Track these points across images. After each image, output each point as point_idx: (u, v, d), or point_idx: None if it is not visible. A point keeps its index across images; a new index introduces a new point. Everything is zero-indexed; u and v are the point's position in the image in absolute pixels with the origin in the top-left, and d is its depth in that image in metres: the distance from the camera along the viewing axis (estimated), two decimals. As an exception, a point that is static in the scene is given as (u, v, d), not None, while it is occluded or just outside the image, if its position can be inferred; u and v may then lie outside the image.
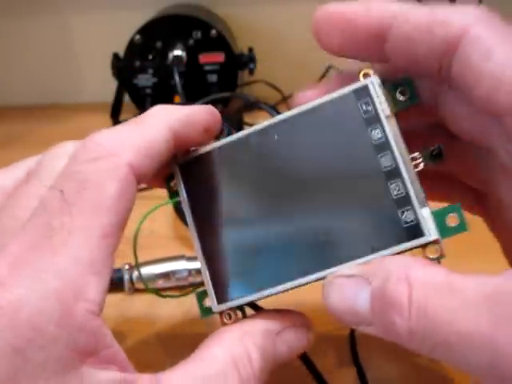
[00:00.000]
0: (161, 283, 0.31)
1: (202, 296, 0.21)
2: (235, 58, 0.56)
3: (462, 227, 0.18)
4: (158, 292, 0.29)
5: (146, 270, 0.31)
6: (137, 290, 0.31)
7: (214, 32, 0.54)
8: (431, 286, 0.15)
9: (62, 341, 0.15)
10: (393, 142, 0.18)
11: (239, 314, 0.20)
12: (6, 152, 0.54)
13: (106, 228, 0.16)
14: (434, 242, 0.18)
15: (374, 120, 0.19)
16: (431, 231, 0.18)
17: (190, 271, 0.31)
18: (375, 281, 0.16)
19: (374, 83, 0.19)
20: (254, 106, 0.51)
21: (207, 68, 0.56)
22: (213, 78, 0.57)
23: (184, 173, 0.20)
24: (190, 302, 0.24)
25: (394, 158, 0.18)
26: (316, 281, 0.19)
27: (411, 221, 0.18)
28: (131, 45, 0.55)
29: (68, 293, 0.15)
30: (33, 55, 0.67)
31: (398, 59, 0.18)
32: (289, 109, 0.20)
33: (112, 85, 0.58)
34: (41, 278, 0.15)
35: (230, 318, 0.20)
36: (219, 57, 0.56)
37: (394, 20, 0.17)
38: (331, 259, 0.18)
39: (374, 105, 0.19)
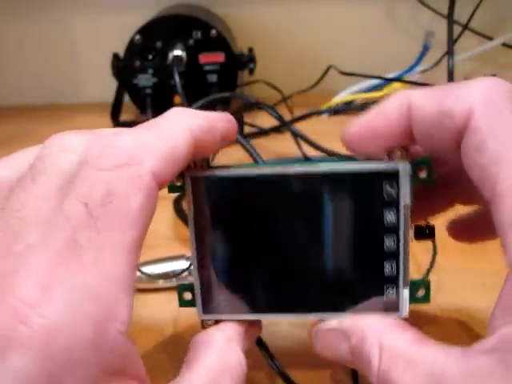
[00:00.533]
0: (161, 283, 0.31)
1: (182, 289, 0.22)
2: (235, 58, 0.56)
3: (426, 299, 0.21)
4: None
5: (146, 270, 0.31)
6: (137, 290, 0.31)
7: (213, 32, 0.54)
8: (395, 354, 0.17)
9: (94, 363, 0.15)
10: (401, 230, 0.20)
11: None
12: (6, 152, 0.54)
13: (131, 243, 0.16)
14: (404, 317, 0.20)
15: (393, 205, 0.20)
16: (405, 310, 0.20)
17: (190, 271, 0.31)
18: (353, 339, 0.19)
19: (405, 171, 0.19)
20: (253, 106, 0.51)
21: (207, 68, 0.56)
22: (213, 77, 0.57)
23: (194, 186, 0.20)
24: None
25: (397, 244, 0.20)
26: (296, 319, 0.21)
27: (392, 297, 0.20)
28: (131, 45, 0.55)
29: (101, 315, 0.15)
30: (33, 55, 0.67)
31: (423, 143, 0.19)
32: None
33: (112, 85, 0.58)
34: (75, 301, 0.14)
35: (210, 323, 0.22)
36: (219, 57, 0.56)
37: (411, 114, 0.19)
38: (314, 304, 0.21)
39: (398, 192, 0.19)
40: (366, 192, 0.20)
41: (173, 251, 0.33)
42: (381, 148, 0.20)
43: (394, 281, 0.20)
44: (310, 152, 0.47)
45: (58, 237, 0.15)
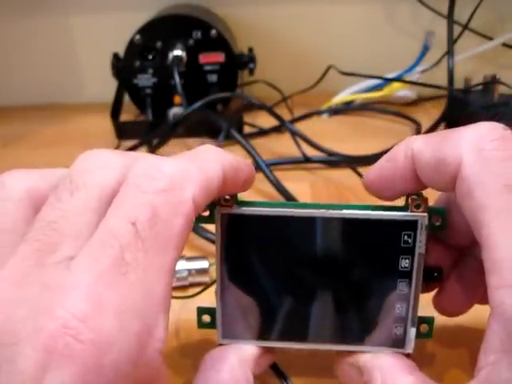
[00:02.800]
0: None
1: (201, 312, 0.23)
2: (235, 58, 0.56)
3: (429, 335, 0.23)
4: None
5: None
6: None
7: (213, 32, 0.54)
8: None
9: (133, 379, 0.15)
10: (414, 276, 0.21)
11: None
12: (7, 152, 0.54)
13: (172, 265, 0.17)
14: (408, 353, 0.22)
15: (409, 252, 0.21)
16: (410, 347, 0.22)
17: (189, 271, 0.31)
18: (365, 375, 0.21)
19: (423, 223, 0.21)
20: (253, 106, 0.51)
21: (207, 68, 0.56)
22: (213, 78, 0.57)
23: (223, 221, 0.21)
24: (192, 302, 0.24)
25: (410, 288, 0.21)
26: (310, 348, 0.23)
27: (400, 335, 0.22)
28: (131, 45, 0.55)
29: (145, 333, 0.15)
30: (33, 55, 0.67)
31: (430, 185, 0.21)
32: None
33: (112, 85, 0.58)
34: (123, 318, 0.15)
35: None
36: (219, 57, 0.56)
37: (414, 161, 0.20)
38: (328, 336, 0.22)
39: (414, 241, 0.21)
40: (384, 239, 0.21)
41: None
42: (398, 191, 0.21)
43: (402, 320, 0.22)
44: (310, 152, 0.47)
45: (106, 254, 0.15)
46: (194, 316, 0.23)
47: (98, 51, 0.63)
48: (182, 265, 0.31)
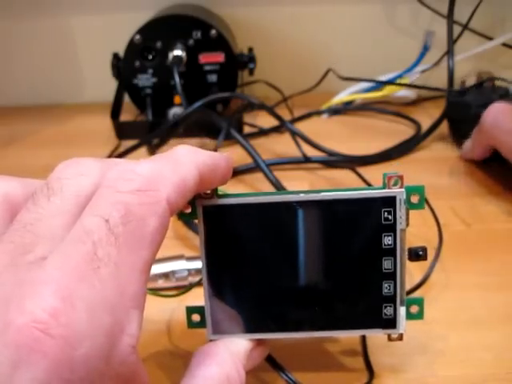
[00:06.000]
0: (161, 283, 0.31)
1: (190, 311, 0.23)
2: (235, 58, 0.56)
3: (420, 315, 0.23)
4: (156, 292, 0.29)
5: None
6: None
7: (213, 32, 0.54)
8: None
9: (107, 375, 0.15)
10: (398, 252, 0.21)
11: None
12: (7, 152, 0.54)
13: (146, 262, 0.17)
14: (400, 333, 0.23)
15: (391, 229, 0.21)
16: (401, 327, 0.22)
17: (189, 271, 0.31)
18: None
19: (401, 198, 0.21)
20: (253, 106, 0.51)
21: (207, 68, 0.56)
22: (213, 78, 0.57)
23: (206, 214, 0.22)
24: (187, 301, 0.24)
25: (395, 265, 0.21)
26: (301, 337, 0.23)
27: (390, 315, 0.22)
28: (131, 45, 0.55)
29: (116, 328, 0.15)
30: (33, 56, 0.67)
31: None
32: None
33: (112, 85, 0.58)
34: (93, 313, 0.15)
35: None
36: (219, 57, 0.56)
37: None
38: (316, 324, 0.22)
39: (394, 217, 0.21)
40: (365, 218, 0.21)
41: (172, 251, 0.33)
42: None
43: (391, 300, 0.22)
44: (310, 152, 0.47)
45: (77, 249, 0.15)
46: (184, 317, 0.23)
47: (98, 51, 0.63)
48: (181, 265, 0.31)
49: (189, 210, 0.22)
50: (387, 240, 0.21)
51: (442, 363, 0.26)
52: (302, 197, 0.21)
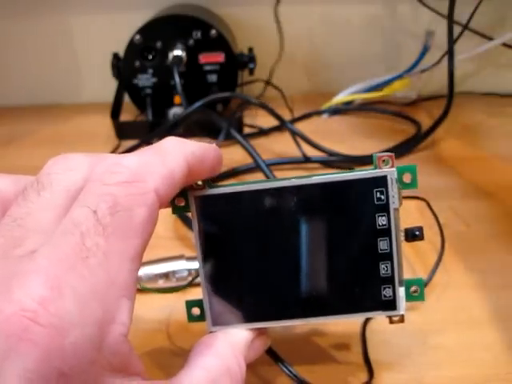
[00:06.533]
0: (161, 283, 0.31)
1: (190, 305, 0.23)
2: (235, 58, 0.56)
3: (420, 297, 0.23)
4: (157, 289, 0.29)
5: (146, 270, 0.31)
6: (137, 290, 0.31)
7: (213, 32, 0.54)
8: None
9: (98, 363, 0.15)
10: (393, 232, 0.21)
11: None
12: (7, 152, 0.54)
13: (135, 251, 0.17)
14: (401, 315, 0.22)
15: (384, 209, 0.21)
16: (402, 308, 0.22)
17: (189, 271, 0.31)
18: None
19: (392, 177, 0.21)
20: (253, 105, 0.51)
21: (207, 68, 0.56)
22: (213, 78, 0.56)
23: (198, 204, 0.22)
24: (183, 301, 0.24)
25: (391, 245, 0.21)
26: (301, 324, 0.23)
27: (389, 296, 0.22)
28: (131, 45, 0.55)
29: (106, 317, 0.15)
30: (33, 55, 0.67)
31: None
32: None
33: (112, 85, 0.58)
34: (83, 302, 0.15)
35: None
36: (219, 57, 0.56)
37: None
38: (315, 309, 0.22)
39: (387, 197, 0.21)
40: (358, 199, 0.21)
41: (172, 251, 0.33)
42: None
43: (389, 281, 0.22)
44: (310, 152, 0.47)
45: (66, 240, 0.16)
46: (184, 314, 0.23)
47: (98, 51, 0.63)
48: (181, 265, 0.31)
49: (182, 203, 0.22)
50: (381, 220, 0.21)
51: (442, 363, 0.26)
52: (294, 181, 0.21)
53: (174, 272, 0.31)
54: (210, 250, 0.22)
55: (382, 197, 0.21)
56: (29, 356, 0.14)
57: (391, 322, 0.23)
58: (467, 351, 0.26)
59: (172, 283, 0.31)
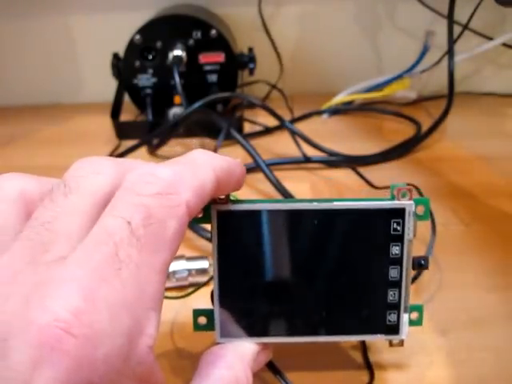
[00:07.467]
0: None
1: (197, 314, 0.23)
2: (235, 58, 0.56)
3: (419, 322, 0.24)
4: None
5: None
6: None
7: (213, 32, 0.54)
8: None
9: (125, 374, 0.15)
10: (405, 262, 0.22)
11: None
12: (7, 152, 0.54)
13: (164, 264, 0.17)
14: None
15: (399, 239, 0.22)
16: (404, 333, 0.23)
17: (189, 271, 0.31)
18: None
19: (410, 210, 0.22)
20: (253, 105, 0.51)
21: (207, 68, 0.56)
22: (213, 78, 0.57)
23: (220, 219, 0.22)
24: (190, 303, 0.24)
25: (401, 274, 0.22)
26: (308, 341, 0.23)
27: (394, 321, 0.23)
28: (131, 45, 0.55)
29: (135, 329, 0.15)
30: (33, 55, 0.67)
31: None
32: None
33: (112, 85, 0.58)
34: (114, 314, 0.15)
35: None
36: (219, 57, 0.56)
37: None
38: (324, 327, 0.23)
39: (403, 228, 0.22)
40: (375, 228, 0.22)
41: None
42: None
43: (395, 307, 0.23)
44: (310, 152, 0.47)
45: (99, 250, 0.16)
46: (191, 317, 0.23)
47: (98, 51, 0.63)
48: (182, 265, 0.31)
49: (200, 215, 0.22)
50: (395, 250, 0.22)
51: (442, 363, 0.26)
52: (315, 205, 0.22)
53: (173, 272, 0.31)
54: (226, 263, 0.22)
55: (399, 228, 0.22)
56: (60, 366, 0.14)
57: (391, 345, 0.23)
58: (467, 351, 0.26)
59: (172, 283, 0.31)
